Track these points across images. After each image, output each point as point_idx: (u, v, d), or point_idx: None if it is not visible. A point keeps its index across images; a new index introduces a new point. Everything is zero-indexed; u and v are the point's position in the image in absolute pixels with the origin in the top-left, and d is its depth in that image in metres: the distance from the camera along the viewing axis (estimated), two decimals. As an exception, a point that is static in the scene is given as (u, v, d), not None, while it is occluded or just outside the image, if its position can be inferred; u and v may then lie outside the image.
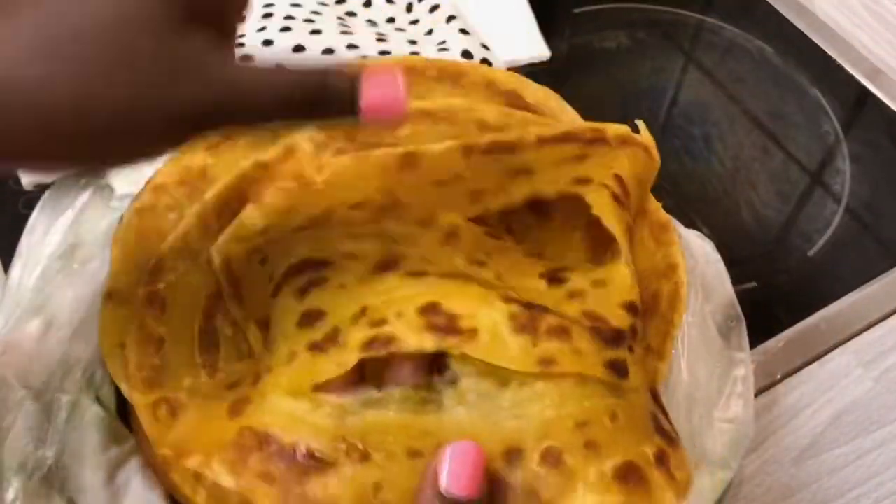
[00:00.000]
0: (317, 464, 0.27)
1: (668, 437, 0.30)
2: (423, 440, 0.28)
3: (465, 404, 0.28)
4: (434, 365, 0.30)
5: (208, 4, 0.25)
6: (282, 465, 0.27)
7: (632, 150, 0.37)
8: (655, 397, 0.32)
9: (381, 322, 0.30)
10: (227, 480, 0.26)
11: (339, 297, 0.32)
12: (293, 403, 0.29)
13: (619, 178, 0.36)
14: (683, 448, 0.30)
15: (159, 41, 0.22)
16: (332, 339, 0.30)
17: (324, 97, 0.26)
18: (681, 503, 0.28)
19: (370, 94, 0.25)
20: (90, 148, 0.23)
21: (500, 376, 0.29)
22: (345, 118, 0.26)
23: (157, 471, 0.35)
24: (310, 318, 0.31)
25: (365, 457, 0.27)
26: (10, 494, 0.32)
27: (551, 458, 0.28)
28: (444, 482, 0.25)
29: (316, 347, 0.30)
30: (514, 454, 0.28)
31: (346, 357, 0.29)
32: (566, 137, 0.36)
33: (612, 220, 0.35)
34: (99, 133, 0.22)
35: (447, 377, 0.29)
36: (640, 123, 0.38)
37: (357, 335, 0.30)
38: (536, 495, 0.27)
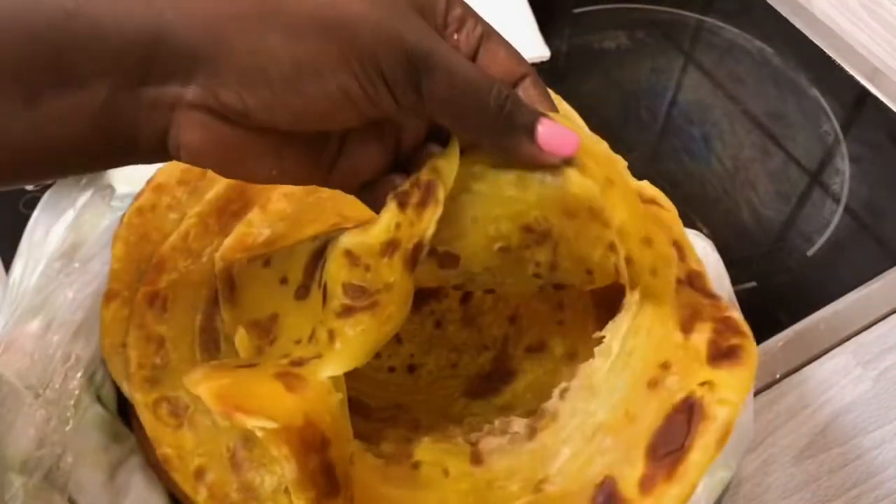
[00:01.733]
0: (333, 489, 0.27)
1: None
2: None
3: None
4: None
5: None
6: (323, 477, 0.26)
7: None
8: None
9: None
10: (289, 470, 0.26)
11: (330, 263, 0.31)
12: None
13: None
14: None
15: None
16: (360, 294, 0.28)
17: (516, 107, 0.27)
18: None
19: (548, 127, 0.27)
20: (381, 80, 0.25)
21: None
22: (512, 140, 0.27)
23: (157, 470, 0.35)
24: (326, 294, 0.30)
25: None
26: (12, 494, 0.32)
27: None
28: None
29: (347, 311, 0.28)
30: None
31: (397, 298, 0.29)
32: None
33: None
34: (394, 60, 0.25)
35: None
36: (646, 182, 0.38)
37: (388, 268, 0.29)
38: None
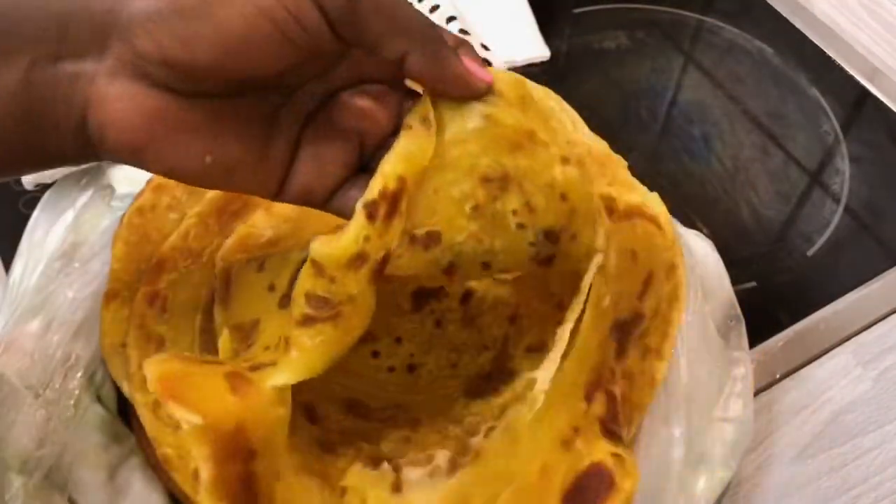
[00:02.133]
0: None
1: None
2: None
3: None
4: None
5: None
6: (241, 488, 0.26)
7: (631, 224, 0.36)
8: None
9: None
10: (205, 472, 0.26)
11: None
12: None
13: None
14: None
15: None
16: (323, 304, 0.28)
17: (443, 42, 0.28)
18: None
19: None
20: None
21: None
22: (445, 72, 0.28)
23: (157, 470, 0.35)
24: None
25: None
26: (12, 494, 0.32)
27: None
28: None
29: (308, 321, 0.28)
30: None
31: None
32: None
33: None
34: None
35: None
36: (655, 196, 0.37)
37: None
38: None
